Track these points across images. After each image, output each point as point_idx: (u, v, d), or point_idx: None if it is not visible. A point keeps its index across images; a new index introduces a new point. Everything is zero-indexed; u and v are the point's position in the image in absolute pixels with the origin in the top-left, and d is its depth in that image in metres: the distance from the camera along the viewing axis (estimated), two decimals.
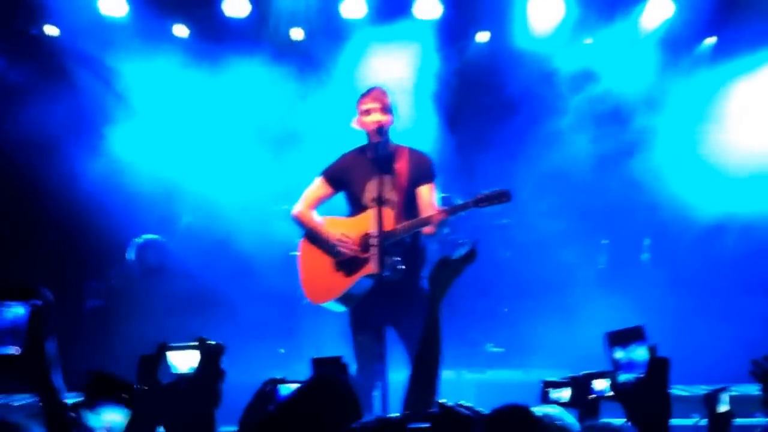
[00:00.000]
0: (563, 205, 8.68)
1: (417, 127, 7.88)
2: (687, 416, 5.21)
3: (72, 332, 7.91)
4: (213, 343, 2.39)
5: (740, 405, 3.10)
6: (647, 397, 2.19)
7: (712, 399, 2.76)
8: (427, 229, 5.19)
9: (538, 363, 8.07)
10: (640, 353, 2.33)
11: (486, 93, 9.13)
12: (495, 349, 8.52)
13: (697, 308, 8.14)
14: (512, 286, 8.50)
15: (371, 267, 5.08)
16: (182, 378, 2.37)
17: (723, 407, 2.76)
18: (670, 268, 8.63)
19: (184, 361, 2.41)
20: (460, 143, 8.83)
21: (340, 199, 5.57)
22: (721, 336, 7.70)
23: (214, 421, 2.34)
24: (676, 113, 8.86)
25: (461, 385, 7.50)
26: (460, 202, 5.10)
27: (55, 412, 2.21)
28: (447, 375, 7.46)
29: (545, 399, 3.05)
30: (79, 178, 8.45)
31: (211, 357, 2.34)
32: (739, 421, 2.86)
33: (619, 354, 2.36)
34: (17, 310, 2.27)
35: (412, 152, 5.39)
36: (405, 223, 5.18)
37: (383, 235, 4.98)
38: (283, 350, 7.65)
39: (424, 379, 2.94)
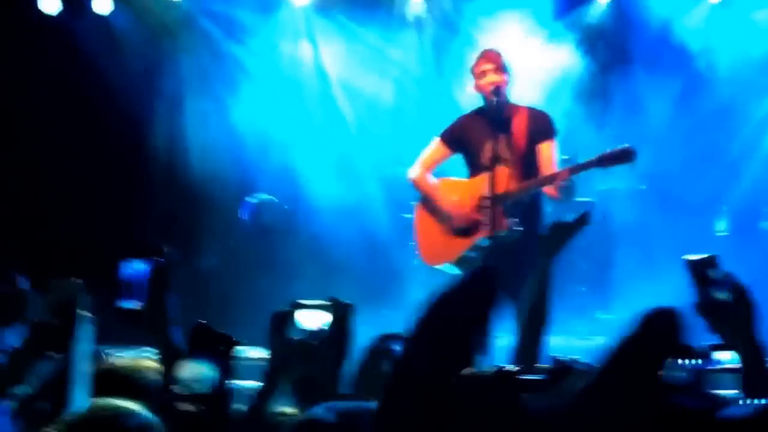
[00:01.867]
0: (688, 168, 8.48)
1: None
2: None
3: (186, 291, 8.15)
4: (345, 303, 2.41)
5: None
6: (737, 317, 2.28)
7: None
8: (549, 190, 5.16)
9: None
10: (720, 273, 2.36)
11: (611, 55, 8.88)
12: (604, 317, 8.37)
13: None
14: (628, 253, 8.33)
15: (485, 230, 5.07)
16: (313, 335, 2.40)
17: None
18: None
19: (313, 319, 2.43)
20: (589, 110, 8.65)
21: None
22: None
23: (338, 381, 2.37)
24: None
25: (569, 351, 7.40)
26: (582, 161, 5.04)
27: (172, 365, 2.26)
28: (555, 341, 7.38)
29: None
30: (198, 138, 8.66)
31: (343, 316, 2.36)
32: None
33: (699, 276, 2.36)
34: (140, 267, 2.34)
35: (531, 110, 5.40)
36: (523, 183, 5.19)
37: (499, 196, 4.99)
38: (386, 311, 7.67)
39: (530, 341, 2.91)
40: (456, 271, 5.37)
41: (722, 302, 2.29)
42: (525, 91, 6.79)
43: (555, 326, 7.33)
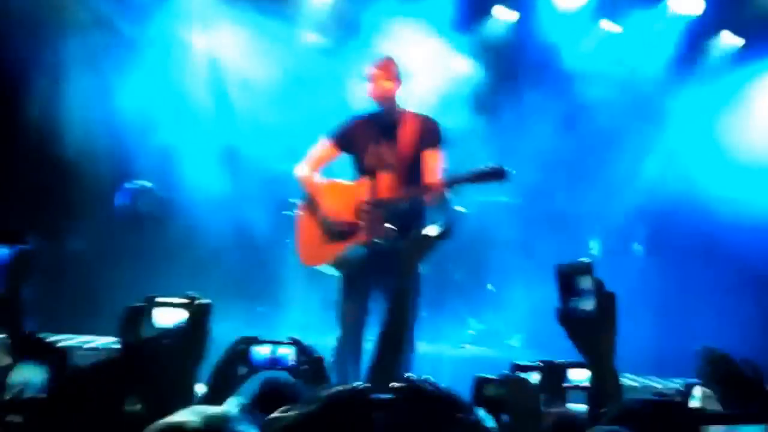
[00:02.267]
0: (567, 187, 8.72)
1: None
2: None
3: (51, 273, 7.88)
4: (202, 301, 2.31)
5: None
6: (597, 330, 2.26)
7: (685, 394, 2.78)
8: (429, 199, 5.19)
9: (522, 343, 8.13)
10: (587, 282, 2.30)
11: (506, 73, 9.10)
12: (478, 326, 8.49)
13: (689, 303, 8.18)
14: (501, 264, 8.47)
15: (363, 235, 5.10)
16: (166, 333, 2.30)
17: (694, 402, 2.78)
18: (665, 261, 8.64)
19: (169, 316, 2.33)
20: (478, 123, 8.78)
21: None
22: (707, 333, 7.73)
23: (194, 380, 2.28)
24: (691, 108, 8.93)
25: (439, 361, 7.47)
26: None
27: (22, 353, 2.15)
28: (427, 348, 7.45)
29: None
30: (78, 115, 8.34)
31: (199, 315, 2.27)
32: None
33: (568, 288, 2.33)
34: (1, 252, 2.23)
35: (420, 117, 5.38)
36: (400, 192, 5.20)
37: (378, 202, 5.02)
38: (261, 309, 7.59)
39: (388, 351, 2.89)
40: (333, 271, 5.37)
41: (583, 313, 2.28)
42: (420, 98, 6.93)
43: (429, 334, 7.39)
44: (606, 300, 2.27)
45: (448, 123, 5.79)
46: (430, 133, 5.32)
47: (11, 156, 8.15)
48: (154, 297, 2.34)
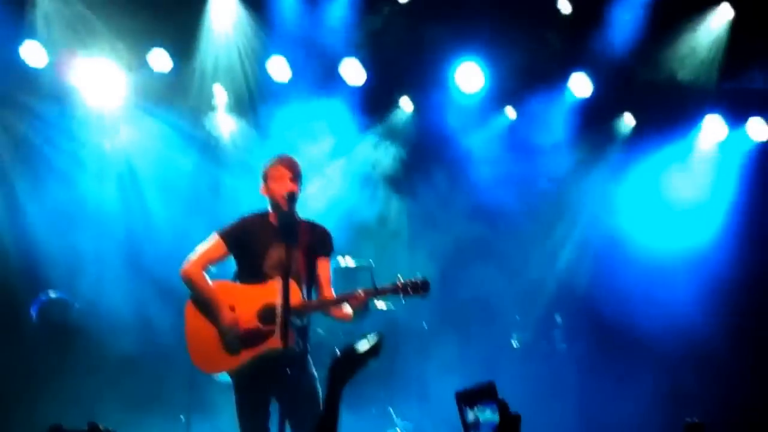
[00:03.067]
0: (483, 275, 8.83)
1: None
2: None
3: None
4: (105, 430, 2.26)
5: None
6: None
7: None
8: (342, 314, 5.10)
9: None
10: (490, 413, 2.22)
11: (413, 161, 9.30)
12: (403, 422, 8.41)
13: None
14: (423, 357, 8.47)
15: (275, 340, 4.85)
16: None
17: None
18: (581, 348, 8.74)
19: None
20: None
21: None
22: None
23: None
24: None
25: None
26: (377, 286, 5.01)
27: None
28: None
29: None
30: None
31: None
32: None
33: (469, 414, 2.25)
34: None
35: (311, 224, 5.29)
36: (321, 300, 5.11)
37: (292, 309, 4.75)
38: (182, 417, 7.39)
39: None
40: (225, 377, 5.13)
41: None
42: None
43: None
44: (510, 423, 2.19)
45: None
46: (323, 241, 5.25)
47: None
48: (60, 426, 2.31)
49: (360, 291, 5.00)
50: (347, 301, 5.04)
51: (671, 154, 9.08)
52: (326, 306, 5.10)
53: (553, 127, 9.16)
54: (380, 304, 8.00)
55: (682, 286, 8.62)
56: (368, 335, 3.07)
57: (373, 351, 3.02)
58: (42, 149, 8.50)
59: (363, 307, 5.04)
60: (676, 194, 9.07)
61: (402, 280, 5.02)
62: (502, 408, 2.19)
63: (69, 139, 8.56)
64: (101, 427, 2.30)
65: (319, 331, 7.56)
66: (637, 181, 9.19)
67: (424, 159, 9.35)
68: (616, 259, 8.91)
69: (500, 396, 2.29)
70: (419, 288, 5.01)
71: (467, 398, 2.27)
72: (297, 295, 4.95)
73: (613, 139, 9.41)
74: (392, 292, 5.02)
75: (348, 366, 2.99)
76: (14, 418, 7.09)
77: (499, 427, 2.16)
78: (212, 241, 5.21)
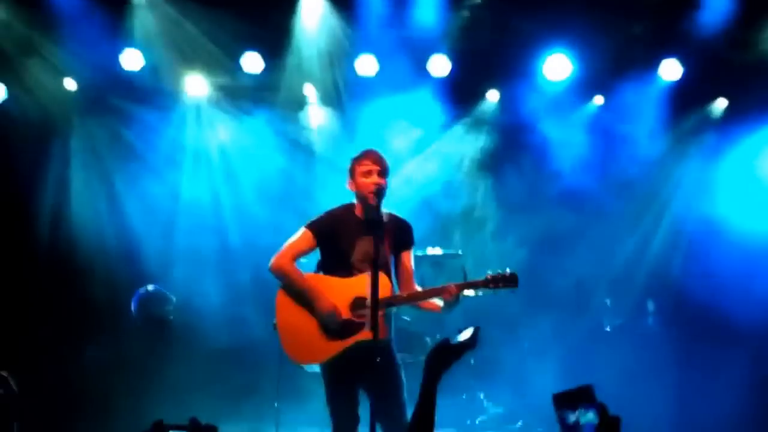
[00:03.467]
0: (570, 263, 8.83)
1: None
2: None
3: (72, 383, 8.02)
4: (205, 425, 2.39)
5: None
6: None
7: None
8: (431, 306, 5.17)
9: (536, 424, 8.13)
10: (589, 416, 2.25)
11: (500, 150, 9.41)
12: (495, 409, 8.47)
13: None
14: (515, 343, 8.51)
15: (366, 332, 4.95)
16: None
17: None
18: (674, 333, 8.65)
19: None
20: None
21: None
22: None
23: None
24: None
25: None
26: (468, 279, 5.09)
27: None
28: None
29: None
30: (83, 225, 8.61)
31: None
32: None
33: (569, 416, 2.28)
34: None
35: (395, 218, 5.35)
36: (413, 293, 5.19)
37: (384, 301, 4.88)
38: (276, 405, 7.59)
39: None
40: (314, 367, 5.23)
41: None
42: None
43: (445, 419, 7.33)
44: (611, 425, 2.21)
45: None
46: (406, 235, 5.34)
47: (27, 269, 8.37)
48: (162, 422, 2.41)
49: (452, 285, 5.06)
50: (438, 294, 5.12)
51: (766, 136, 8.89)
52: (417, 299, 5.18)
53: (643, 112, 9.07)
54: (469, 291, 8.04)
55: None
56: (465, 328, 3.14)
57: (470, 344, 3.09)
58: (140, 148, 8.89)
59: (454, 300, 5.10)
60: None
61: (492, 274, 5.08)
62: (602, 411, 2.23)
63: (165, 139, 8.93)
64: (202, 422, 2.42)
65: (405, 318, 7.69)
66: (732, 165, 9.04)
67: (512, 147, 9.39)
68: (711, 244, 8.77)
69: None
70: (509, 281, 5.05)
71: (565, 400, 2.32)
72: (387, 288, 5.03)
73: (706, 123, 9.26)
74: (482, 285, 5.07)
75: (444, 358, 3.06)
76: (115, 408, 7.37)
77: (599, 429, 2.19)
78: (301, 233, 5.29)
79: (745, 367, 8.24)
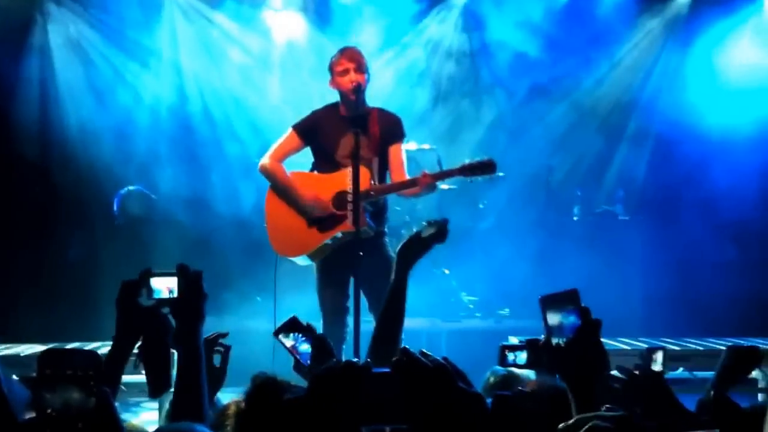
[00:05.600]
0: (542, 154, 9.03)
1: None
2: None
3: (56, 279, 8.15)
4: (195, 269, 2.51)
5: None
6: (577, 356, 2.23)
7: (647, 358, 2.87)
8: (411, 191, 5.34)
9: (512, 313, 8.39)
10: (572, 318, 2.30)
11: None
12: (469, 298, 8.72)
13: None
14: (489, 235, 8.69)
15: (347, 224, 5.15)
16: (164, 300, 2.49)
17: (657, 366, 2.88)
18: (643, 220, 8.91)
19: (166, 286, 2.52)
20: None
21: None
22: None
23: (200, 336, 2.45)
24: None
25: (434, 335, 7.69)
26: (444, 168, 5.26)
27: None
28: (422, 323, 7.67)
29: (503, 362, 3.15)
30: (69, 126, 8.61)
31: (192, 280, 2.47)
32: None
33: (553, 318, 2.32)
34: None
35: (382, 112, 5.48)
36: (388, 184, 5.34)
37: (362, 194, 5.01)
38: (259, 298, 7.77)
39: (385, 343, 3.07)
40: (306, 262, 5.44)
41: (557, 347, 2.28)
42: None
43: (421, 309, 7.52)
44: (593, 327, 2.26)
45: None
46: (394, 128, 5.45)
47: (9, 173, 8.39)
48: (150, 269, 2.54)
49: (427, 174, 5.23)
50: (414, 185, 5.26)
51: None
52: (393, 189, 5.34)
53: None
54: (444, 186, 8.23)
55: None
56: (433, 221, 3.32)
57: (438, 236, 3.25)
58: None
59: (430, 189, 5.28)
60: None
61: (468, 162, 5.22)
62: (584, 314, 2.27)
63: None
64: (187, 266, 2.54)
65: (407, 218, 7.88)
66: (699, 56, 9.17)
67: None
68: (679, 137, 8.96)
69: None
70: (486, 167, 5.18)
71: (551, 303, 2.35)
72: (366, 181, 5.16)
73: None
74: (458, 173, 5.21)
75: (414, 250, 3.23)
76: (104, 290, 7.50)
77: (580, 331, 2.25)
78: (286, 134, 5.52)
79: (727, 252, 8.51)
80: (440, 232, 3.25)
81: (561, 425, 1.88)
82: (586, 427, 1.80)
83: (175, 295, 2.49)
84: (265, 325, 6.76)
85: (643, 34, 9.42)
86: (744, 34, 9.08)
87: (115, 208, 8.27)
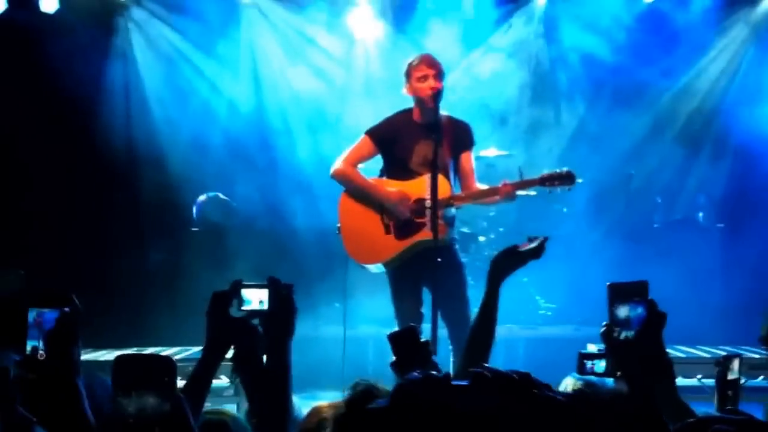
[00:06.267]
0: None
1: None
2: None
3: (137, 285, 8.30)
4: (285, 282, 2.52)
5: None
6: (641, 353, 2.23)
7: (723, 365, 2.80)
8: (490, 199, 5.35)
9: (590, 320, 8.25)
10: (639, 310, 2.29)
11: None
12: (546, 305, 8.63)
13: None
14: (566, 242, 8.58)
15: (426, 232, 5.13)
16: (255, 312, 2.51)
17: (733, 374, 2.80)
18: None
19: (256, 297, 2.54)
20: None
21: None
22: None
23: (289, 350, 2.46)
24: None
25: (512, 342, 7.63)
26: (525, 177, 5.21)
27: (77, 416, 2.23)
28: (499, 331, 7.58)
29: (581, 370, 3.09)
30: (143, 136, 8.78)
31: (283, 293, 2.47)
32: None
33: (620, 310, 2.32)
34: (48, 315, 2.28)
35: (454, 120, 5.47)
36: (470, 192, 5.34)
37: (442, 202, 5.03)
38: (338, 305, 7.79)
39: (476, 355, 3.04)
40: (381, 269, 5.40)
41: (622, 341, 2.28)
42: None
43: (499, 316, 7.47)
44: (658, 321, 2.26)
45: None
46: (465, 136, 5.45)
47: (92, 179, 8.57)
48: (241, 281, 2.55)
49: (507, 183, 5.21)
50: (495, 193, 5.25)
51: None
52: (474, 198, 5.34)
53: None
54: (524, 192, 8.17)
55: None
56: (533, 237, 3.26)
57: (535, 252, 3.21)
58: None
59: (509, 198, 5.26)
60: None
61: (547, 173, 5.19)
62: (651, 306, 2.27)
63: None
64: (279, 279, 2.55)
65: (484, 223, 7.81)
66: None
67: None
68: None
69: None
70: (564, 179, 5.16)
71: (619, 293, 2.34)
72: (446, 189, 5.16)
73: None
74: (538, 183, 5.20)
75: (509, 262, 3.18)
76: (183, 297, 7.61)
77: (646, 324, 2.25)
78: (360, 140, 5.51)
79: None
80: (538, 248, 3.20)
81: (676, 426, 1.84)
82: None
83: (266, 307, 2.50)
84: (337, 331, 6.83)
85: (728, 40, 9.18)
86: None
87: (194, 214, 8.37)
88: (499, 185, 5.23)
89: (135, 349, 5.68)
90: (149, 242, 8.65)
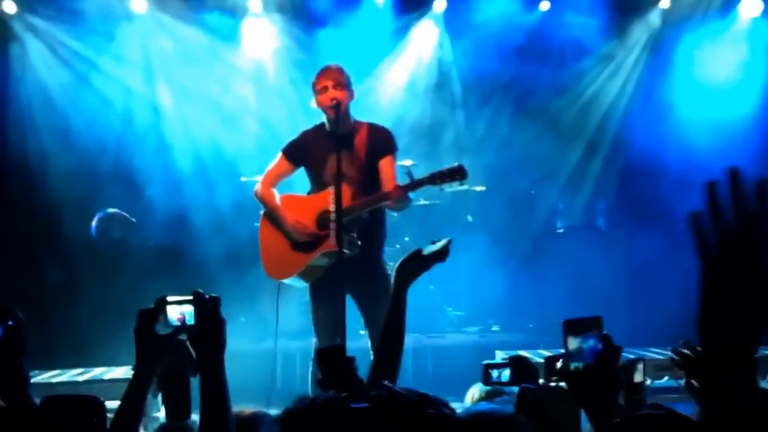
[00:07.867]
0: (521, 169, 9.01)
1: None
2: None
3: (37, 305, 8.04)
4: (212, 296, 2.46)
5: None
6: (595, 382, 2.27)
7: (628, 369, 2.86)
8: (386, 204, 5.31)
9: (498, 326, 8.36)
10: (591, 342, 2.36)
11: None
12: (455, 313, 8.69)
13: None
14: (476, 250, 8.67)
15: (329, 244, 5.12)
16: (179, 329, 2.44)
17: (639, 376, 2.87)
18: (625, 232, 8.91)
19: (180, 313, 2.47)
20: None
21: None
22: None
23: (222, 363, 2.39)
24: None
25: (420, 350, 7.65)
26: (415, 178, 5.22)
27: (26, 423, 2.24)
28: (407, 340, 7.59)
29: (487, 380, 3.10)
30: (38, 155, 8.51)
31: (209, 307, 2.42)
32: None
33: (573, 343, 2.38)
34: None
35: (371, 126, 5.44)
36: (362, 200, 5.27)
37: (341, 212, 4.99)
38: (243, 319, 7.71)
39: (386, 362, 3.04)
40: (300, 283, 5.42)
41: (574, 371, 2.32)
42: None
43: (406, 325, 7.48)
44: (613, 353, 2.31)
45: None
46: (383, 141, 5.40)
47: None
48: (165, 297, 2.48)
49: (396, 185, 5.17)
50: (386, 198, 5.20)
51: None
52: (366, 206, 5.24)
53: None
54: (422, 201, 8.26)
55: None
56: (438, 240, 3.28)
57: (439, 255, 3.22)
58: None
59: (403, 201, 5.22)
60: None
61: (436, 170, 5.14)
62: (606, 340, 2.32)
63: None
64: (203, 292, 2.50)
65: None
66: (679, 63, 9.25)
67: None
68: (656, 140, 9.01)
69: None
70: (455, 174, 5.11)
71: (573, 327, 2.40)
72: (348, 199, 5.11)
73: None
74: (428, 182, 5.14)
75: (415, 267, 3.19)
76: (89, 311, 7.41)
77: (602, 356, 2.31)
78: (277, 158, 5.54)
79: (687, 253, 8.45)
80: (442, 251, 3.21)
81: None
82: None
83: (192, 322, 2.45)
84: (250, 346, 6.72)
85: (625, 48, 9.48)
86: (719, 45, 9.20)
87: (93, 231, 8.16)
88: (390, 190, 5.21)
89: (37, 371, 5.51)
90: (46, 260, 8.39)
